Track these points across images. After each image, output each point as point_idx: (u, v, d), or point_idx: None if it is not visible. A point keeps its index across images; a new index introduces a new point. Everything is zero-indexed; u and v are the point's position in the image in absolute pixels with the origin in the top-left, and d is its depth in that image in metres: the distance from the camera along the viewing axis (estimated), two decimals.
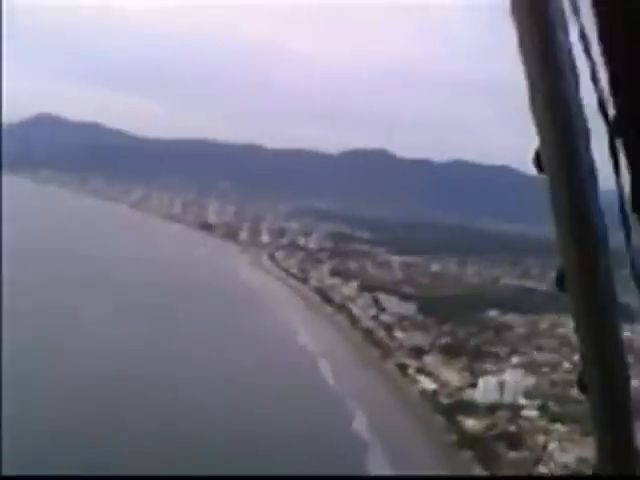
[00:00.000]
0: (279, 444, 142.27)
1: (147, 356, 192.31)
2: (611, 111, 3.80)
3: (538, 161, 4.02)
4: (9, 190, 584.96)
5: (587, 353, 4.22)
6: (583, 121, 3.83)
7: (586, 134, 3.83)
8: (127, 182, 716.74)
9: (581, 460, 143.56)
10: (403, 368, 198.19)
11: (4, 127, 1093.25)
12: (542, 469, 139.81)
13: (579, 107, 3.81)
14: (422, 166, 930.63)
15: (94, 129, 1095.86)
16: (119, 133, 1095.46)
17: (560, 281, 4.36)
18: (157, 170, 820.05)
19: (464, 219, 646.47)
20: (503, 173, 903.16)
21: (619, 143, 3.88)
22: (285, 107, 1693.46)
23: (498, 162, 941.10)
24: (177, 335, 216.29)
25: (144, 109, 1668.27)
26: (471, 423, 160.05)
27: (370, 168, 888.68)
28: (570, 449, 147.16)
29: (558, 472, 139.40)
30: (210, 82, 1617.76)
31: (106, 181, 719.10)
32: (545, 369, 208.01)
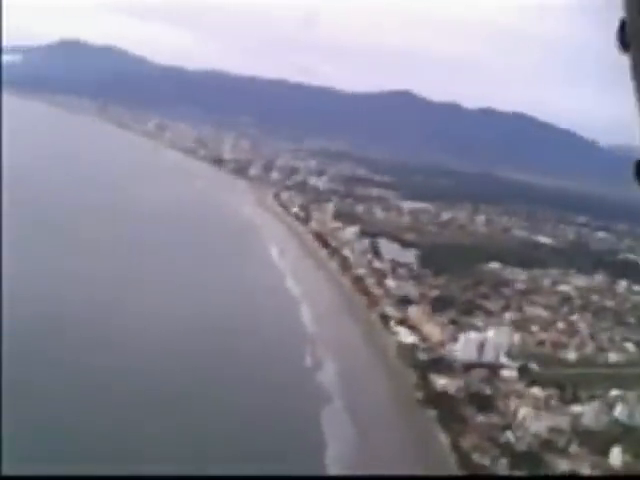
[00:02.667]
0: (239, 390, 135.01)
1: (136, 282, 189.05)
2: None
3: None
4: (23, 114, 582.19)
5: None
6: None
7: None
8: (145, 111, 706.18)
9: (553, 430, 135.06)
10: (386, 319, 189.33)
11: (26, 51, 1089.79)
12: (509, 436, 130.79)
13: None
14: (451, 111, 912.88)
15: (118, 56, 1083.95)
16: (142, 61, 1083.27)
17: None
18: (178, 100, 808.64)
19: (488, 168, 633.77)
20: (535, 126, 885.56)
21: None
22: (317, 44, 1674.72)
23: (529, 114, 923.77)
24: (162, 268, 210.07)
25: (172, 38, 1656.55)
26: (443, 381, 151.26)
27: (397, 109, 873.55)
28: (543, 417, 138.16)
29: (526, 440, 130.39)
30: (240, 14, 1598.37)
31: (124, 109, 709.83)
32: (535, 328, 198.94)
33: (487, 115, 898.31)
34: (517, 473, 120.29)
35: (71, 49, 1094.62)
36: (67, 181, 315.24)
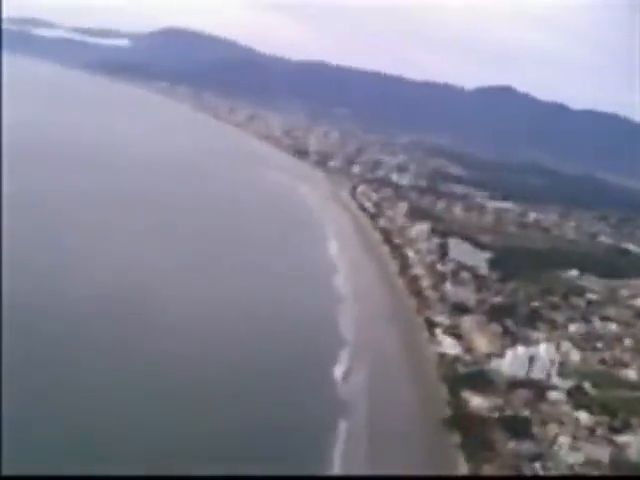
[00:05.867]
0: (257, 391, 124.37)
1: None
2: None
3: None
4: (121, 99, 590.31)
5: None
6: None
7: None
8: (242, 99, 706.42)
9: (590, 462, 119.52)
10: (432, 326, 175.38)
11: (133, 36, 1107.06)
12: (537, 468, 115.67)
13: None
14: (557, 111, 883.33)
15: (222, 45, 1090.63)
16: (245, 50, 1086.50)
17: None
18: (277, 90, 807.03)
19: (589, 171, 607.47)
20: (633, 129, 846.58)
21: None
22: (419, 37, 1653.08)
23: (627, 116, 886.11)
24: (221, 254, 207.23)
25: (276, 28, 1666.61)
26: (478, 400, 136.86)
27: (500, 107, 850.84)
28: (583, 447, 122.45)
29: (555, 474, 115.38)
30: (344, 5, 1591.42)
31: (220, 97, 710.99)
32: (600, 344, 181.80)
33: (590, 116, 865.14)
34: None
35: (177, 37, 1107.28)
36: (144, 166, 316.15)
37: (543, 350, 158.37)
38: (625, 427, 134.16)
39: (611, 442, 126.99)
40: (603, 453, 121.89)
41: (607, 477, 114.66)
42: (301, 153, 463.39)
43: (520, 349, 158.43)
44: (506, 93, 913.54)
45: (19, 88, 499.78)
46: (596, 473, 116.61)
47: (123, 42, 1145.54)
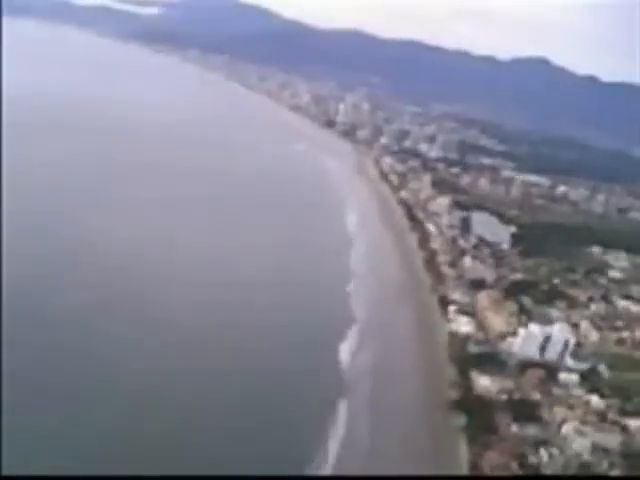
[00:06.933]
0: (263, 366, 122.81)
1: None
2: None
3: None
4: (150, 68, 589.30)
5: None
6: None
7: None
8: (272, 68, 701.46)
9: (598, 449, 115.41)
10: (446, 304, 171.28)
11: (165, 5, 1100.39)
12: (542, 454, 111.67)
13: None
14: (589, 83, 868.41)
15: (257, 13, 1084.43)
16: (282, 19, 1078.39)
17: None
18: (310, 58, 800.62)
19: (624, 145, 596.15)
20: None
21: None
22: (455, 7, 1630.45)
23: None
24: (236, 225, 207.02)
25: None
26: (486, 381, 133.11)
27: (534, 79, 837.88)
28: (591, 432, 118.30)
29: (560, 461, 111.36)
30: None
31: (251, 66, 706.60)
32: (620, 323, 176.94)
33: (622, 88, 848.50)
34: None
35: (210, 4, 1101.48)
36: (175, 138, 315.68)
37: (558, 330, 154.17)
38: (638, 411, 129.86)
39: (622, 427, 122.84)
40: (612, 440, 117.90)
41: (606, 477, 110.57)
42: (330, 123, 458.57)
43: (534, 328, 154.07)
44: (541, 65, 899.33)
45: (56, 55, 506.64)
46: (603, 461, 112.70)
47: (159, 10, 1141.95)
